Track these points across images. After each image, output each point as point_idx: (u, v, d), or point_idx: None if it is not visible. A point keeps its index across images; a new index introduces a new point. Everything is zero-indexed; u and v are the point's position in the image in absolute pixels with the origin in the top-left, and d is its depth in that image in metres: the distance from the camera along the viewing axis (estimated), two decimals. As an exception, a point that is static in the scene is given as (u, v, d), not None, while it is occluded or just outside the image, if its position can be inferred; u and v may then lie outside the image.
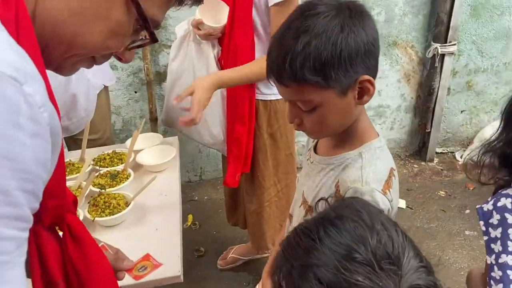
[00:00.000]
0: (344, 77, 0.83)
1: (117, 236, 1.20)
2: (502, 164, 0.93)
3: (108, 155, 1.52)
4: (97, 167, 1.46)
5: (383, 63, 2.91)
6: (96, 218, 1.20)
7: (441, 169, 3.12)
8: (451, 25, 2.70)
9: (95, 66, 0.69)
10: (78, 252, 0.72)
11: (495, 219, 0.85)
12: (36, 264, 0.67)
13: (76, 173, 1.42)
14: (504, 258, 0.84)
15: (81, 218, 1.20)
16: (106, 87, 1.86)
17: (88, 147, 1.59)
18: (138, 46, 0.63)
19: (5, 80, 0.44)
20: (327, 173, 0.99)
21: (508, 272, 0.83)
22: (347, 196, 0.91)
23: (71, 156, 1.57)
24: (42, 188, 0.53)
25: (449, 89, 3.02)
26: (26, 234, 0.50)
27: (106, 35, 0.57)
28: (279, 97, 1.72)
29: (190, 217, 2.69)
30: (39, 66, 0.50)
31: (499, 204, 0.85)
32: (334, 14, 0.82)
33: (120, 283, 0.88)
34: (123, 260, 0.93)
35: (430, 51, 2.81)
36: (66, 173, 1.45)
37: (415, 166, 3.18)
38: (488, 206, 0.87)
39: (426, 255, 0.65)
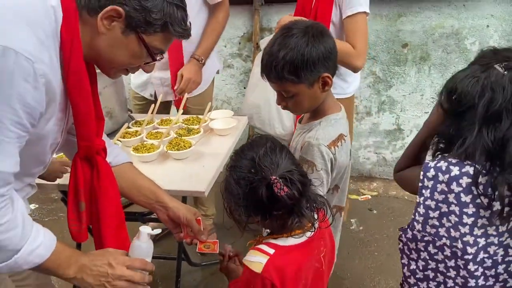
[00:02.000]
0: (310, 75, 1.30)
1: (179, 165, 1.79)
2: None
3: (193, 118, 2.15)
4: (183, 124, 2.10)
5: (473, 91, 3.01)
6: (168, 151, 1.81)
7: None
8: (547, 61, 2.70)
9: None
10: (97, 182, 1.24)
11: (430, 174, 1.12)
12: (72, 178, 1.23)
13: (168, 125, 2.07)
14: (429, 202, 1.14)
15: (159, 150, 1.83)
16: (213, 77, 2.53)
17: (193, 113, 2.25)
18: (148, 63, 1.15)
19: (23, 59, 0.89)
20: (301, 136, 1.43)
21: (429, 211, 1.15)
22: (303, 147, 1.35)
23: (173, 115, 2.25)
24: (39, 116, 0.97)
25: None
26: (24, 134, 0.95)
27: (128, 58, 1.10)
28: (344, 96, 2.14)
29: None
30: (75, 66, 1.04)
31: (438, 164, 1.11)
32: (302, 35, 1.28)
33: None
34: (202, 234, 1.34)
35: (523, 85, 2.84)
36: (163, 124, 2.11)
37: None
38: (431, 163, 1.13)
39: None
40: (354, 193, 3.26)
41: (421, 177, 1.13)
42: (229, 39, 3.19)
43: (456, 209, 1.12)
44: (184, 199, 1.86)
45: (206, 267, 2.62)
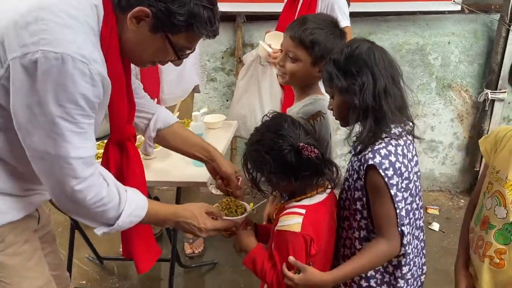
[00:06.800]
0: (320, 56, 1.46)
1: (180, 162, 1.92)
2: None
3: (187, 121, 2.30)
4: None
5: (437, 102, 3.31)
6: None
7: (487, 207, 3.32)
8: (501, 75, 3.03)
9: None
10: (126, 166, 1.36)
11: (385, 165, 1.21)
12: (104, 162, 1.34)
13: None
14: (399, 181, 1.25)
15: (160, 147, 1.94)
16: (193, 89, 2.67)
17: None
18: (174, 60, 1.22)
19: (78, 61, 1.00)
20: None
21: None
22: None
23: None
24: (97, 107, 1.09)
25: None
26: (91, 121, 1.09)
27: (154, 54, 1.19)
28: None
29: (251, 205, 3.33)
30: (112, 61, 1.12)
31: (382, 152, 1.22)
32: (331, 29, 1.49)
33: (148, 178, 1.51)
34: (237, 190, 1.57)
35: (481, 95, 3.15)
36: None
37: (462, 201, 3.43)
38: (378, 158, 1.20)
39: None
40: (332, 199, 3.44)
41: (383, 174, 1.18)
42: (212, 54, 3.36)
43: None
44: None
45: (195, 269, 2.70)
